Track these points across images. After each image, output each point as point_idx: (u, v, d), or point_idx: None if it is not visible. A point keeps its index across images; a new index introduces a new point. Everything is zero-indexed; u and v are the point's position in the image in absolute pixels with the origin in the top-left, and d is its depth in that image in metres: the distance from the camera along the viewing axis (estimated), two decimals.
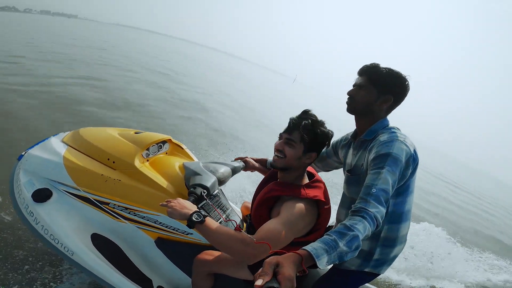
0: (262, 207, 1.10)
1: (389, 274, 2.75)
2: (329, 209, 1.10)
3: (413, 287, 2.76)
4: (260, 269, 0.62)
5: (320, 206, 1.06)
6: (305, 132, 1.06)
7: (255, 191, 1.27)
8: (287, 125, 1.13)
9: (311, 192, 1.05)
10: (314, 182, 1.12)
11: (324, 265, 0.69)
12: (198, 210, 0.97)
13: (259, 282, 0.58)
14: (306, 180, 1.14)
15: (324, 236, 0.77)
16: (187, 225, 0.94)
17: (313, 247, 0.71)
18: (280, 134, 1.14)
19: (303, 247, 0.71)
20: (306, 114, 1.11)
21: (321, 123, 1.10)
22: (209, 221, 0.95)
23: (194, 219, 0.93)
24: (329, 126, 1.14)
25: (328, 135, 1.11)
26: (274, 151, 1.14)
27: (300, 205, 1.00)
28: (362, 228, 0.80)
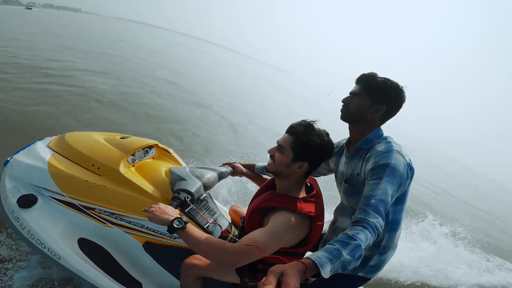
0: (256, 215, 1.10)
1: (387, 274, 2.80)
2: (321, 226, 1.09)
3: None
4: (264, 278, 0.62)
5: (313, 222, 1.04)
6: (294, 140, 1.04)
7: (253, 197, 1.27)
8: None
9: (306, 207, 1.02)
10: (312, 196, 1.09)
11: (327, 274, 0.70)
12: (179, 216, 0.97)
13: None
14: (303, 193, 1.11)
15: (327, 245, 0.78)
16: (168, 231, 0.94)
17: (317, 256, 0.72)
18: (277, 140, 1.13)
19: (307, 256, 0.72)
20: (302, 122, 1.08)
21: (316, 133, 1.03)
22: (190, 227, 0.95)
23: (175, 225, 0.93)
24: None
25: (323, 146, 1.03)
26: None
27: (289, 218, 0.99)
28: (364, 238, 0.81)
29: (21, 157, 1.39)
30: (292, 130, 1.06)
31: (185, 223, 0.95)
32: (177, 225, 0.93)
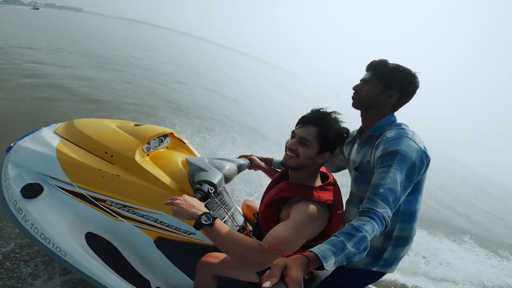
0: (271, 207, 1.04)
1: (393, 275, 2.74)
2: (341, 215, 1.04)
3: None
4: (268, 271, 0.61)
5: (333, 211, 0.99)
6: (320, 132, 0.99)
7: (265, 190, 1.21)
8: (299, 121, 1.06)
9: (324, 195, 0.98)
10: (328, 184, 1.05)
11: (331, 267, 0.68)
12: (207, 211, 0.89)
13: (267, 284, 0.58)
14: (319, 182, 1.07)
15: (332, 237, 0.75)
16: (194, 226, 0.86)
17: (320, 249, 0.70)
18: (293, 132, 1.07)
19: (310, 249, 0.70)
20: (321, 111, 1.04)
21: (336, 120, 1.03)
22: (218, 224, 0.88)
23: (203, 221, 0.85)
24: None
25: (343, 133, 1.04)
26: (286, 150, 1.07)
27: (311, 208, 0.94)
28: (371, 229, 0.77)
29: (26, 143, 1.29)
30: (316, 122, 1.01)
31: (214, 218, 0.87)
32: (205, 221, 0.85)
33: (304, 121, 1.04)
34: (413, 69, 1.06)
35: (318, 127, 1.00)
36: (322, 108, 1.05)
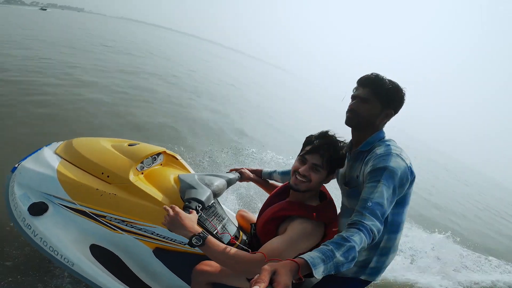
0: (271, 223, 1.12)
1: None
2: (335, 232, 1.10)
3: None
4: (257, 276, 0.62)
5: (328, 229, 1.07)
6: (329, 159, 1.06)
7: (265, 202, 1.29)
8: (310, 147, 1.10)
9: (322, 215, 1.06)
10: (326, 204, 1.13)
11: (320, 275, 0.70)
12: (196, 234, 0.95)
13: None
14: (317, 201, 1.15)
15: (321, 246, 0.78)
16: (187, 244, 0.94)
17: (310, 256, 0.72)
18: (303, 157, 1.10)
19: (300, 256, 0.73)
20: (329, 136, 1.10)
21: (342, 148, 1.10)
22: (209, 242, 0.94)
23: (193, 243, 0.93)
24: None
25: (345, 157, 1.12)
26: (296, 174, 1.10)
27: (307, 225, 1.02)
28: (359, 240, 0.81)
29: (29, 164, 1.39)
30: (327, 149, 1.07)
31: (203, 238, 0.94)
32: (196, 242, 0.93)
33: (315, 150, 1.08)
34: (401, 84, 1.09)
35: (328, 154, 1.06)
36: (329, 131, 1.11)
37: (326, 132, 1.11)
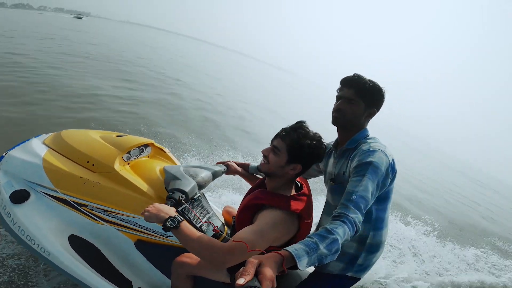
0: (245, 212, 1.12)
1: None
2: (309, 224, 1.10)
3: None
4: (242, 268, 0.62)
5: (301, 220, 1.06)
6: (290, 143, 1.06)
7: (245, 195, 1.29)
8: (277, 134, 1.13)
9: (294, 205, 1.04)
10: (300, 195, 1.11)
11: (304, 267, 0.71)
12: (173, 216, 0.97)
13: (240, 281, 0.58)
14: (292, 192, 1.14)
15: (306, 238, 0.79)
16: (163, 229, 0.96)
17: (294, 248, 0.73)
18: (271, 140, 1.15)
19: (285, 248, 0.73)
20: (298, 125, 1.10)
21: (310, 137, 1.07)
22: (184, 226, 0.96)
23: (168, 224, 0.94)
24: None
25: (317, 150, 1.08)
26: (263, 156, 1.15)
27: (276, 215, 1.01)
28: (342, 232, 0.82)
29: (16, 152, 1.40)
30: (286, 133, 1.08)
31: (179, 222, 0.96)
32: (170, 224, 0.94)
33: (279, 133, 1.12)
34: (380, 84, 1.14)
35: (289, 138, 1.07)
36: (304, 122, 1.11)
37: (300, 121, 1.12)
